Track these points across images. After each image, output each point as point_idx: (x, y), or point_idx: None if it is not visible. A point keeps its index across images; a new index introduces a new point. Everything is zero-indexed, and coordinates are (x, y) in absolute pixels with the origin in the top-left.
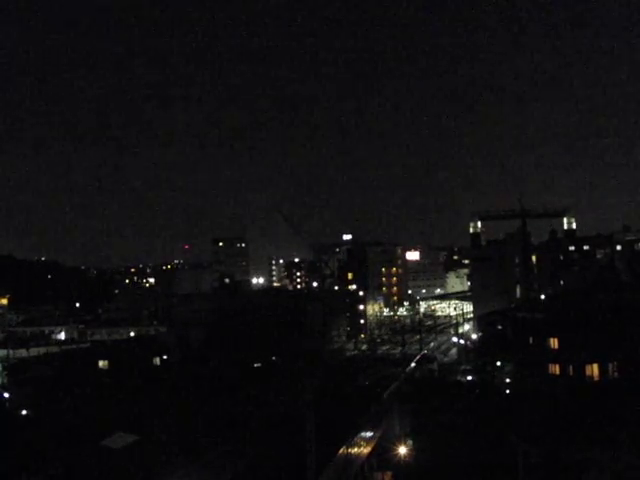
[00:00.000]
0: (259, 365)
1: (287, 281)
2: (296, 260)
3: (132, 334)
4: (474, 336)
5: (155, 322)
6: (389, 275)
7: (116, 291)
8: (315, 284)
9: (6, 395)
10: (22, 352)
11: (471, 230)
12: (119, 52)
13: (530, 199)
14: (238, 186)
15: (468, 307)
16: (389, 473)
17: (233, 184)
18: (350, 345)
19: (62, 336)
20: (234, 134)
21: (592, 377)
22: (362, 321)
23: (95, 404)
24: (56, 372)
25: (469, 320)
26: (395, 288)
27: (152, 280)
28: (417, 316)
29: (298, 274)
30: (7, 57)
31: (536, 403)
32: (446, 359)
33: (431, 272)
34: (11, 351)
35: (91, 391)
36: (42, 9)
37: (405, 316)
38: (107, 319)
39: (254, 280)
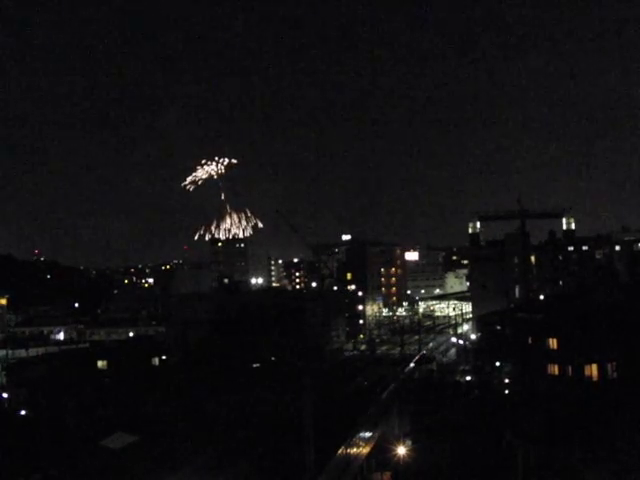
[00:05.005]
0: (258, 365)
1: (286, 281)
2: (295, 260)
3: (131, 334)
4: (473, 336)
5: (154, 322)
6: (388, 275)
7: (115, 291)
8: (314, 284)
9: (5, 395)
10: (21, 352)
11: (470, 230)
12: (120, 50)
13: (529, 199)
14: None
15: (467, 307)
16: (388, 473)
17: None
18: (349, 345)
19: (61, 336)
20: (233, 134)
21: (591, 377)
22: (361, 321)
23: (94, 404)
24: (55, 372)
25: (468, 320)
26: (394, 288)
27: (151, 280)
28: (416, 316)
29: (297, 274)
30: (6, 57)
31: (535, 403)
32: (445, 359)
33: (430, 272)
34: (10, 351)
35: (90, 391)
36: (42, 7)
37: (404, 316)
38: (106, 319)
39: (253, 280)
